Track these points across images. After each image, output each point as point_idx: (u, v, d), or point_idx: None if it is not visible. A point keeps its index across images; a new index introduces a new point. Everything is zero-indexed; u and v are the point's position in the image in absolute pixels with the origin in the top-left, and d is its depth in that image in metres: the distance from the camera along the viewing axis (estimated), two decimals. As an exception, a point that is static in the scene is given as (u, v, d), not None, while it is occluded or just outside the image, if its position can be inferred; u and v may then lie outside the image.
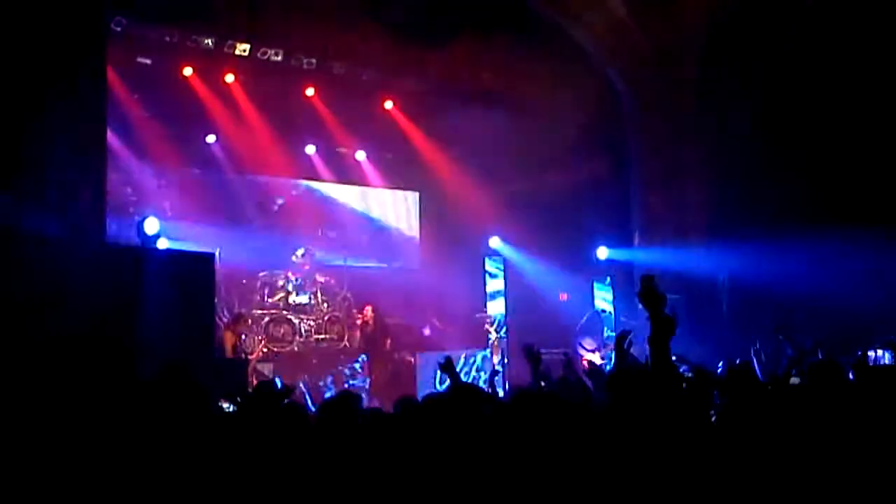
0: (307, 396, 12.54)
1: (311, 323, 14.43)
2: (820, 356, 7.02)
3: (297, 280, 14.42)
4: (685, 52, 13.12)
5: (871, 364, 8.61)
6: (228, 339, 11.30)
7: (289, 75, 13.13)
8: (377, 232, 15.45)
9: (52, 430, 3.62)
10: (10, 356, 5.21)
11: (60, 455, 3.38)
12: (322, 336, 14.49)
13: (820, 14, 11.91)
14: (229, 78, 12.82)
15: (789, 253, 11.19)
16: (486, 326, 14.14)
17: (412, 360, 13.98)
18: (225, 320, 11.97)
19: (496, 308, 14.40)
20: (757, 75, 12.61)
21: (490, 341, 14.00)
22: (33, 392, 4.72)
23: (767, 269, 11.50)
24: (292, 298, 14.33)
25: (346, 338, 14.66)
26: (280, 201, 14.61)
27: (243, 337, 12.16)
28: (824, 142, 11.90)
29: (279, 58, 12.61)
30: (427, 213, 15.50)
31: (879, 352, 9.29)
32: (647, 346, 3.71)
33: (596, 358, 12.57)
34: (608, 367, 9.69)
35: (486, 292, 14.56)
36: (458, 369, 6.06)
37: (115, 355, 5.61)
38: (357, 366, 14.13)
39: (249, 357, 11.83)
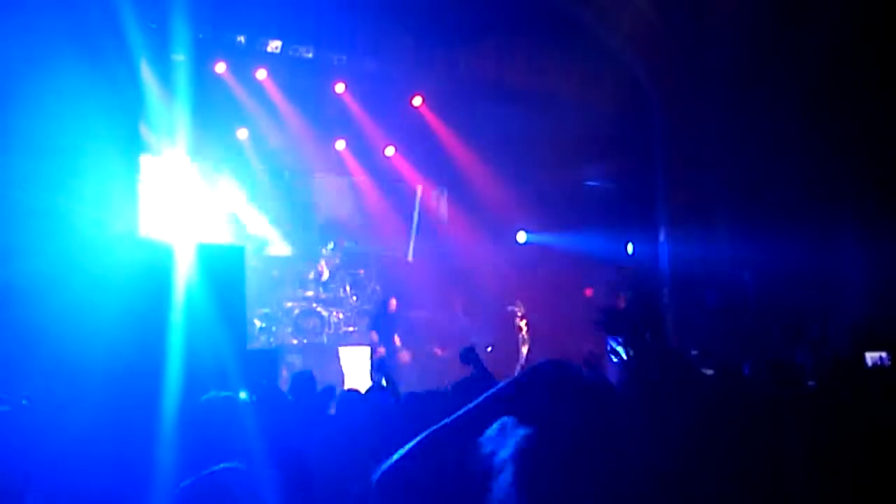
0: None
1: (341, 315, 14.61)
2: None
3: (326, 273, 14.60)
4: (711, 46, 13.11)
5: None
6: None
7: (319, 72, 13.32)
8: (406, 226, 15.59)
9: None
10: (52, 351, 5.39)
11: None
12: (351, 328, 14.67)
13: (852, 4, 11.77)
14: (261, 74, 13.03)
15: (817, 247, 11.19)
16: (517, 320, 14.22)
17: (439, 352, 14.13)
18: None
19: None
20: (786, 68, 12.54)
21: (521, 335, 14.07)
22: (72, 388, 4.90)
23: (795, 264, 11.50)
24: (321, 291, 14.51)
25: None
26: (310, 195, 14.83)
27: None
28: (859, 137, 11.80)
29: (310, 54, 12.79)
30: (455, 207, 15.62)
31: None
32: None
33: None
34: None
35: (516, 285, 14.65)
36: None
37: (151, 348, 5.79)
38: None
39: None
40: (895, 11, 11.22)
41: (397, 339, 13.09)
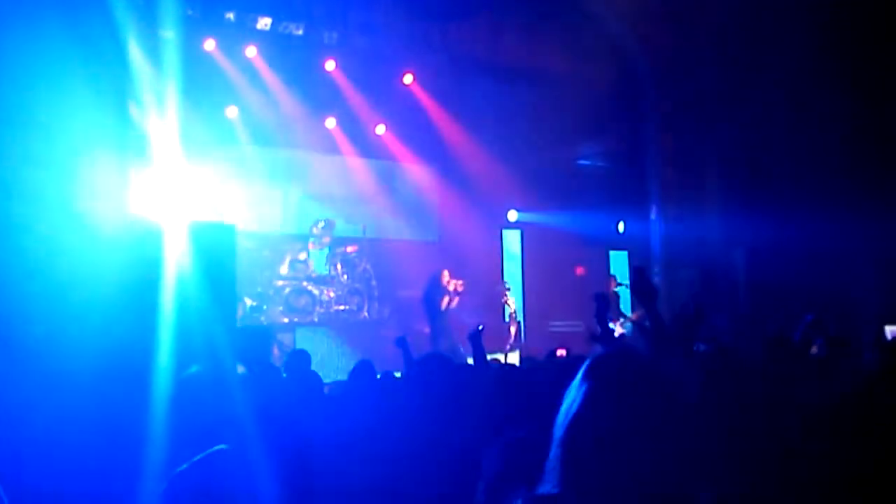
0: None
1: (332, 294, 14.60)
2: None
3: (317, 251, 14.58)
4: (704, 25, 13.06)
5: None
6: None
7: (309, 49, 13.22)
8: (396, 204, 15.54)
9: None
10: (43, 333, 5.35)
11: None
12: (343, 307, 14.67)
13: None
14: (251, 52, 12.93)
15: (809, 226, 11.19)
16: (504, 298, 14.25)
17: (428, 330, 14.14)
18: None
19: (514, 281, 14.52)
20: (780, 46, 12.49)
21: (508, 313, 14.12)
22: (63, 369, 4.86)
23: (786, 242, 11.51)
24: (312, 269, 14.49)
25: (366, 308, 14.85)
26: (300, 174, 14.76)
27: None
28: (853, 114, 11.77)
29: (300, 31, 12.70)
30: (446, 186, 15.59)
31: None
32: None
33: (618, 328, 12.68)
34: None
35: (503, 265, 14.68)
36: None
37: (140, 327, 5.75)
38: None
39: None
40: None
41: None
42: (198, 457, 2.30)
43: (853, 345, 5.49)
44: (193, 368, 3.78)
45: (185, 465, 2.29)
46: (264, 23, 12.40)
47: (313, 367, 6.65)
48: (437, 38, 13.48)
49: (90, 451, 3.55)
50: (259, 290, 13.60)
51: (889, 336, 8.58)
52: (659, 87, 13.83)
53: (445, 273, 13.23)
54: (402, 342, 6.64)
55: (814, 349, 5.87)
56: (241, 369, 4.42)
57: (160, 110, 11.84)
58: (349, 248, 14.93)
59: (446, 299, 13.01)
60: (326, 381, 6.40)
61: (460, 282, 13.22)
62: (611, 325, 12.99)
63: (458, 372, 3.99)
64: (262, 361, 6.86)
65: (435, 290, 13.13)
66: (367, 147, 14.97)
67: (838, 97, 11.69)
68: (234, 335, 6.83)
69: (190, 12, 11.85)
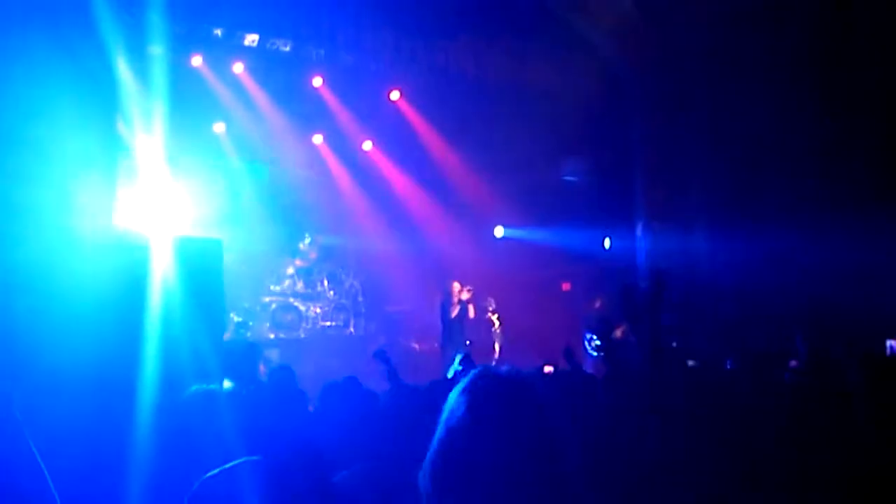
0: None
1: (318, 310, 14.60)
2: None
3: (303, 267, 14.58)
4: (690, 41, 13.13)
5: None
6: None
7: (297, 66, 13.26)
8: (383, 220, 15.56)
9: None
10: (32, 347, 5.34)
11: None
12: (329, 323, 14.66)
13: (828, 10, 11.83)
14: (238, 68, 12.95)
15: (795, 241, 11.25)
16: (489, 315, 14.27)
17: (417, 346, 14.16)
18: None
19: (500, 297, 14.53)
20: (766, 63, 12.57)
21: (493, 329, 14.12)
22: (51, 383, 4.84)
23: (772, 257, 11.55)
24: (299, 285, 14.49)
25: (352, 324, 14.85)
26: (288, 190, 14.77)
27: None
28: (839, 130, 11.82)
29: (287, 48, 12.74)
30: (432, 202, 15.62)
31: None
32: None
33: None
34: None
35: (489, 281, 14.69)
36: None
37: (126, 343, 5.74)
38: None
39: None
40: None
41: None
42: (228, 465, 2.33)
43: (837, 360, 5.52)
44: (193, 388, 3.77)
45: (214, 471, 2.32)
46: (251, 39, 12.42)
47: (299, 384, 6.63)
48: (424, 54, 13.52)
49: (76, 465, 3.55)
50: (245, 305, 13.59)
51: (889, 349, 8.61)
52: (644, 103, 13.90)
53: (456, 284, 13.36)
54: (381, 354, 6.54)
55: (793, 363, 5.91)
56: (227, 384, 4.41)
57: (147, 126, 11.83)
58: (335, 265, 14.94)
59: (456, 309, 13.12)
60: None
61: (468, 288, 13.36)
62: (596, 339, 13.09)
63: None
64: (249, 377, 6.83)
65: (446, 301, 13.27)
66: (353, 163, 15.00)
67: (825, 113, 11.79)
68: (222, 352, 6.81)
69: (177, 28, 11.85)
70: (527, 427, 1.75)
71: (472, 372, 1.89)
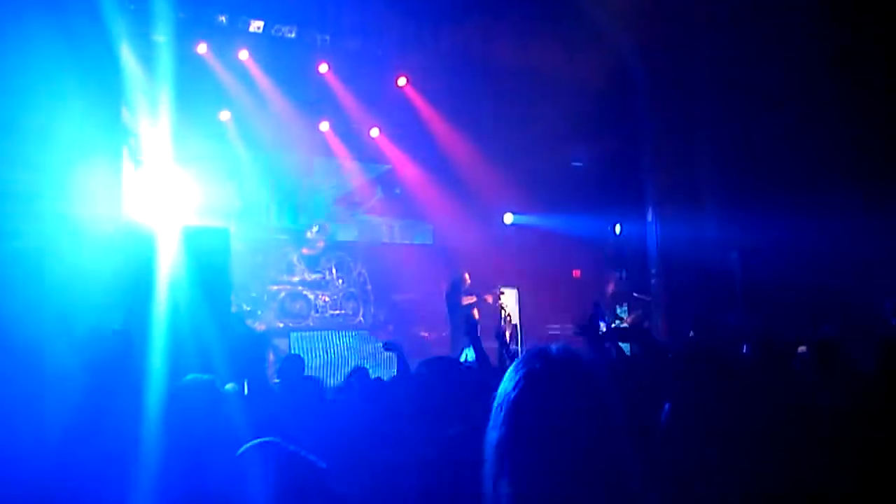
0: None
1: (326, 298, 14.55)
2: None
3: (311, 255, 14.52)
4: (699, 25, 13.00)
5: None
6: None
7: (302, 52, 13.15)
8: (391, 208, 15.50)
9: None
10: (34, 338, 5.29)
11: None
12: (338, 311, 14.62)
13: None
14: (243, 55, 12.86)
15: (805, 227, 11.16)
16: (500, 302, 14.20)
17: (426, 335, 14.11)
18: None
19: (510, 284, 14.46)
20: (777, 47, 12.44)
21: (503, 316, 14.05)
22: (58, 374, 4.79)
23: (783, 246, 11.47)
24: (307, 274, 14.43)
25: (361, 313, 14.80)
26: (295, 178, 14.70)
27: None
28: (849, 116, 11.71)
29: (293, 34, 12.63)
30: (441, 189, 15.53)
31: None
32: None
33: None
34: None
35: (499, 268, 14.61)
36: None
37: (135, 332, 5.69)
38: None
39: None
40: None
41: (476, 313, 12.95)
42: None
43: (849, 346, 5.43)
44: (190, 377, 3.72)
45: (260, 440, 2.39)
46: (257, 26, 12.33)
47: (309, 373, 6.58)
48: (430, 40, 13.40)
49: (80, 454, 3.50)
50: (253, 294, 13.54)
51: None
52: (655, 89, 13.77)
53: (466, 275, 13.33)
54: (393, 345, 6.50)
55: (802, 349, 5.82)
56: (230, 386, 4.35)
57: (153, 114, 11.78)
58: (343, 253, 14.88)
59: (467, 298, 13.14)
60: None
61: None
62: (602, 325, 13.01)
63: (463, 373, 3.92)
64: (258, 369, 6.77)
65: (455, 291, 13.22)
66: (361, 150, 14.90)
67: (836, 98, 11.67)
68: (229, 340, 6.76)
69: (181, 15, 11.77)
70: (585, 399, 1.80)
71: (526, 351, 1.93)
